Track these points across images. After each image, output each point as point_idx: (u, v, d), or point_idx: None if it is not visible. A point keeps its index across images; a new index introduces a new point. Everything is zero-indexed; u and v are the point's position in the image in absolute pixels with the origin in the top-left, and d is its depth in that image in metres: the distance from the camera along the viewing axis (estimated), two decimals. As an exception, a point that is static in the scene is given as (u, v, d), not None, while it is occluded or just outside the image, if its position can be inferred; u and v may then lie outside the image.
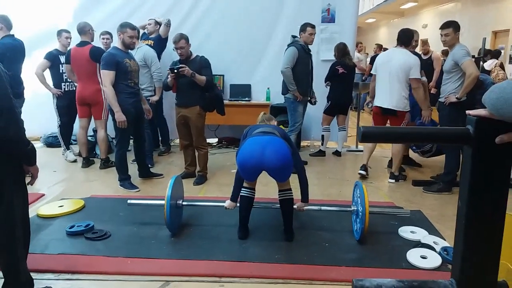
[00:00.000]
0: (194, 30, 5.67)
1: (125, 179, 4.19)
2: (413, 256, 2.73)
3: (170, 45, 4.81)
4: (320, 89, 5.44)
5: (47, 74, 5.08)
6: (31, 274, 2.17)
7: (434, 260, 2.68)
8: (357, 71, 5.76)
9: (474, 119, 1.09)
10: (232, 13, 5.77)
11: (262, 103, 5.81)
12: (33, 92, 5.16)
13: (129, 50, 4.17)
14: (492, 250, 1.15)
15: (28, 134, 1.99)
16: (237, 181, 2.99)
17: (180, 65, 4.02)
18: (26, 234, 2.10)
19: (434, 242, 2.93)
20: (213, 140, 6.25)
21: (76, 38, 4.97)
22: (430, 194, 4.10)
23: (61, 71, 5.08)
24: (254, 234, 3.07)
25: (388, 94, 4.29)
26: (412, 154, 5.14)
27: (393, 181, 4.48)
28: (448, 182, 4.12)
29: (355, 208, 3.07)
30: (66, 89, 5.14)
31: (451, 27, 3.91)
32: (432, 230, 3.19)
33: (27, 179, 2.11)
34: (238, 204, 3.04)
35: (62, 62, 5.05)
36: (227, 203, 3.06)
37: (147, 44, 5.13)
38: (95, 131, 5.25)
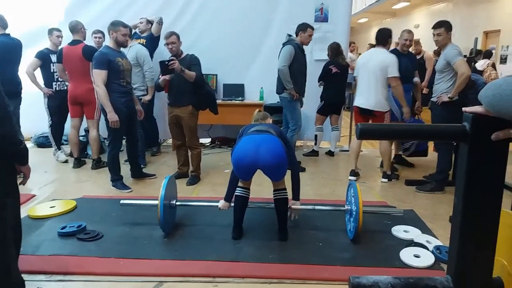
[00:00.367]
0: (186, 29, 5.65)
1: (117, 180, 4.16)
2: (407, 255, 2.74)
3: (162, 43, 4.77)
4: (313, 88, 5.44)
5: (38, 73, 5.02)
6: (23, 275, 2.14)
7: (427, 258, 2.69)
8: (350, 71, 5.76)
9: (470, 116, 1.09)
10: (225, 12, 5.75)
11: (256, 102, 5.80)
12: (24, 91, 5.09)
13: (122, 49, 4.14)
14: (487, 246, 1.15)
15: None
16: (232, 181, 2.98)
17: (171, 58, 4.00)
18: (18, 234, 2.06)
19: (427, 241, 2.94)
20: (206, 140, 6.23)
21: (67, 37, 4.92)
22: (422, 194, 4.12)
23: (52, 70, 5.03)
24: (248, 234, 3.06)
25: (367, 94, 4.33)
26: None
27: (386, 180, 4.49)
28: (440, 181, 4.14)
29: (349, 208, 3.07)
30: (57, 89, 5.09)
31: (443, 27, 3.94)
32: (425, 229, 3.21)
33: (19, 179, 2.08)
34: (232, 204, 3.03)
35: (53, 61, 5.00)
36: (221, 204, 3.04)
37: (139, 43, 5.10)
38: (86, 131, 5.21)
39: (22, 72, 4.78)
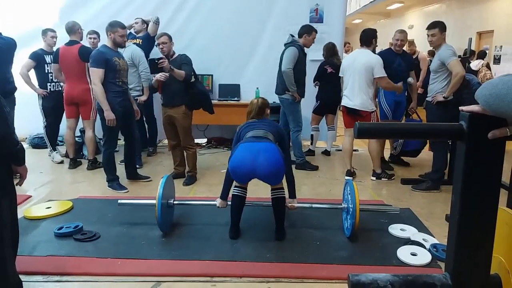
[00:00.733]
0: (182, 29, 5.66)
1: (113, 180, 4.15)
2: (404, 253, 2.76)
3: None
4: (309, 88, 5.44)
5: (32, 74, 4.99)
6: (20, 276, 2.13)
7: (424, 257, 2.72)
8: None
9: (467, 115, 1.11)
10: (221, 12, 5.76)
11: (251, 103, 5.79)
12: (18, 92, 5.05)
13: (119, 49, 4.14)
14: (485, 243, 1.16)
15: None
16: (227, 180, 3.00)
17: (161, 57, 4.02)
18: (15, 235, 2.05)
19: (423, 240, 2.97)
20: (202, 140, 6.23)
21: (61, 38, 4.90)
22: (418, 192, 4.15)
23: (46, 71, 5.00)
24: (245, 234, 3.06)
25: (352, 94, 4.36)
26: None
27: (374, 178, 4.52)
28: (436, 180, 4.17)
29: (346, 206, 3.09)
30: (51, 90, 5.06)
31: (437, 28, 3.97)
32: (422, 228, 3.23)
33: (15, 180, 2.07)
34: (229, 202, 3.04)
35: (47, 62, 4.97)
36: (218, 202, 3.06)
37: (134, 43, 5.09)
38: (82, 131, 5.18)
39: (14, 71, 4.74)
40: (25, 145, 5.82)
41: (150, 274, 2.54)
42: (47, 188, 4.23)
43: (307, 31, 4.79)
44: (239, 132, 3.09)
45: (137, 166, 4.67)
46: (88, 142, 4.79)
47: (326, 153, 5.75)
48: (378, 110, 4.90)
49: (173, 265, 2.65)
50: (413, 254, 2.74)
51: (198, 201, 3.48)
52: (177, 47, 4.27)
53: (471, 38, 6.05)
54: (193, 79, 4.18)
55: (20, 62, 4.91)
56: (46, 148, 5.36)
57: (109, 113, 3.89)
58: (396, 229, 3.15)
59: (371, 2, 14.53)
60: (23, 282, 2.15)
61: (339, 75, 4.70)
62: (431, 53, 7.36)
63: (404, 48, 5.11)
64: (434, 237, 3.05)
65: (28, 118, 5.39)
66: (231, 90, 5.95)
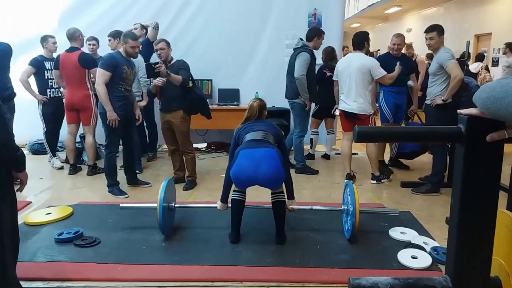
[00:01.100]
0: (181, 35, 5.68)
1: (113, 185, 4.15)
2: (404, 256, 2.76)
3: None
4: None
5: (32, 80, 5.00)
6: (20, 282, 2.13)
7: (424, 260, 2.71)
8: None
9: (465, 118, 1.11)
10: (220, 17, 5.78)
11: (251, 107, 5.80)
12: (18, 98, 5.06)
13: (131, 59, 4.18)
14: (484, 246, 1.17)
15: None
16: (226, 183, 3.01)
17: (157, 61, 4.05)
18: (15, 241, 2.05)
19: (424, 243, 2.96)
20: (202, 145, 6.23)
21: (61, 44, 4.92)
22: (418, 195, 4.15)
23: (46, 77, 5.01)
24: (245, 238, 3.06)
25: (349, 98, 4.37)
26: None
27: (374, 181, 4.52)
28: (436, 183, 4.18)
29: (346, 208, 3.09)
30: (51, 96, 5.07)
31: (435, 31, 3.99)
32: (422, 231, 3.23)
33: (16, 186, 2.08)
34: (229, 205, 3.05)
35: (47, 68, 4.99)
36: (219, 205, 3.08)
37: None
38: (82, 137, 5.19)
39: (14, 78, 4.74)
40: (25, 151, 5.82)
41: (151, 279, 2.54)
42: (47, 194, 4.23)
43: (317, 34, 4.79)
44: (237, 134, 3.09)
45: (137, 171, 4.68)
46: (88, 148, 4.80)
47: (326, 156, 5.75)
48: (379, 114, 4.92)
49: (174, 270, 2.64)
50: (414, 257, 2.74)
51: (198, 204, 3.48)
52: (176, 53, 4.29)
53: (469, 41, 6.04)
54: (190, 84, 4.20)
55: (20, 68, 4.93)
56: (46, 154, 5.36)
57: (111, 113, 3.93)
58: (397, 232, 3.15)
59: (369, 6, 14.60)
60: (23, 288, 2.15)
61: (333, 78, 4.70)
62: (430, 56, 7.39)
63: (402, 51, 5.13)
64: (434, 240, 3.05)
65: (28, 125, 5.39)
66: (231, 95, 5.96)
